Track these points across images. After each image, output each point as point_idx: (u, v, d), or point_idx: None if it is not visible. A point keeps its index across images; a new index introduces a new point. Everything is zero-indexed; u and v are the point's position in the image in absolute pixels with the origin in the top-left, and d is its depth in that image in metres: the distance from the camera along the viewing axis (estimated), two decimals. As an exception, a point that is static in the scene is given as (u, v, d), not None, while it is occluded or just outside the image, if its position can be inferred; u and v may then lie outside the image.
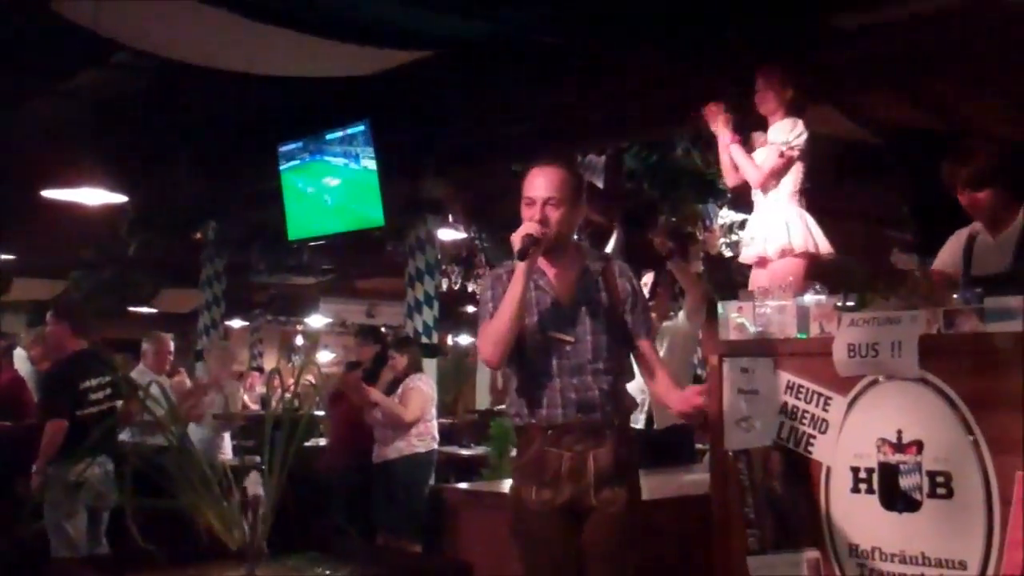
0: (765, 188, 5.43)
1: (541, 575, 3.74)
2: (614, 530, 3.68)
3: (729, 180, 5.72)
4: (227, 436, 8.74)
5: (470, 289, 11.98)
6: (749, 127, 5.63)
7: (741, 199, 5.68)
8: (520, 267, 3.66)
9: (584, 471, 3.67)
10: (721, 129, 5.58)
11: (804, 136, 5.36)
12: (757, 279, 5.38)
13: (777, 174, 5.39)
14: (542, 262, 3.81)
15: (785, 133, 5.37)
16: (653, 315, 6.25)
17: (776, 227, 5.33)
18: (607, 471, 3.68)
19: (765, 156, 5.43)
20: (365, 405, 7.94)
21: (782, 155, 5.34)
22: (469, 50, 6.63)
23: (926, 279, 4.24)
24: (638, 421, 6.35)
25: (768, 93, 5.45)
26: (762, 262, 5.39)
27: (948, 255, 4.40)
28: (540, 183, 3.74)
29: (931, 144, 4.32)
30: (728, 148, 5.55)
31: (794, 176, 5.41)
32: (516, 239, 3.68)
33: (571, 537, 3.69)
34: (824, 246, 5.37)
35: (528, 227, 3.69)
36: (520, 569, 3.79)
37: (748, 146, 5.57)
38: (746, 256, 5.54)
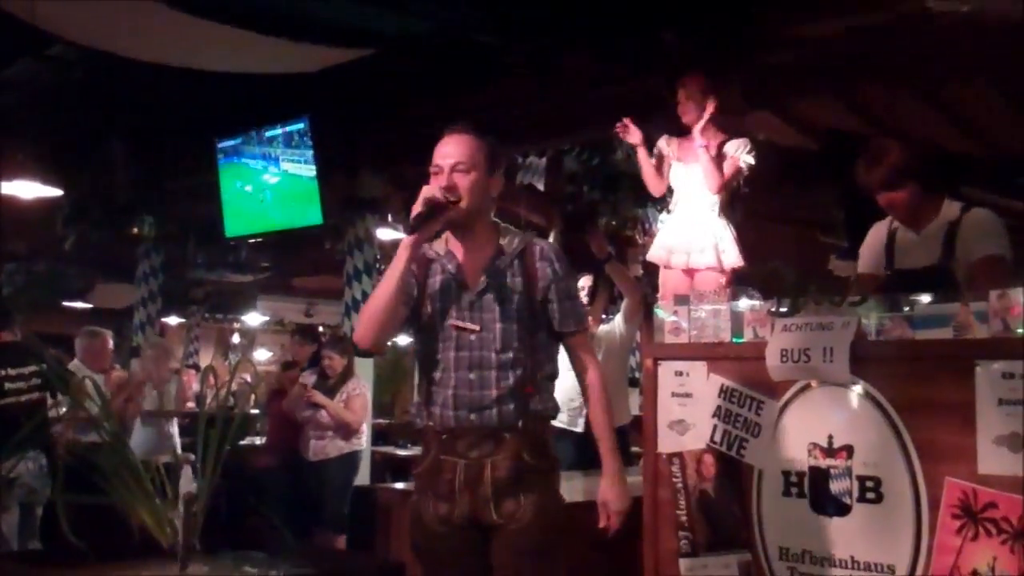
0: (719, 195, 5.53)
1: None
2: (521, 549, 3.21)
3: (653, 191, 5.81)
4: (176, 433, 8.72)
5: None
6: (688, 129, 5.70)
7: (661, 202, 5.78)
8: (406, 239, 3.26)
9: (480, 481, 3.22)
10: (637, 143, 5.66)
11: (751, 161, 5.51)
12: (668, 280, 5.52)
13: (728, 186, 5.50)
14: (452, 243, 3.41)
15: (743, 151, 5.47)
16: (590, 319, 6.30)
17: (705, 240, 5.43)
18: (506, 480, 3.22)
19: (726, 166, 5.52)
20: (299, 405, 7.94)
21: (739, 170, 5.46)
22: (408, 49, 6.62)
23: (858, 284, 4.31)
24: (577, 424, 6.34)
25: (689, 103, 5.55)
26: (688, 271, 5.51)
27: (869, 252, 4.43)
28: (448, 149, 3.36)
29: (862, 149, 4.37)
30: (644, 159, 5.67)
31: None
32: (415, 207, 3.27)
33: (475, 557, 3.27)
34: (734, 261, 5.53)
35: (428, 190, 3.29)
36: None
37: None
38: (670, 262, 5.61)
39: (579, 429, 6.31)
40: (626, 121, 5.63)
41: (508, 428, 3.25)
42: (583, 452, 5.65)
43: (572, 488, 4.97)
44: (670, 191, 5.76)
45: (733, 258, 5.49)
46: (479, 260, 3.38)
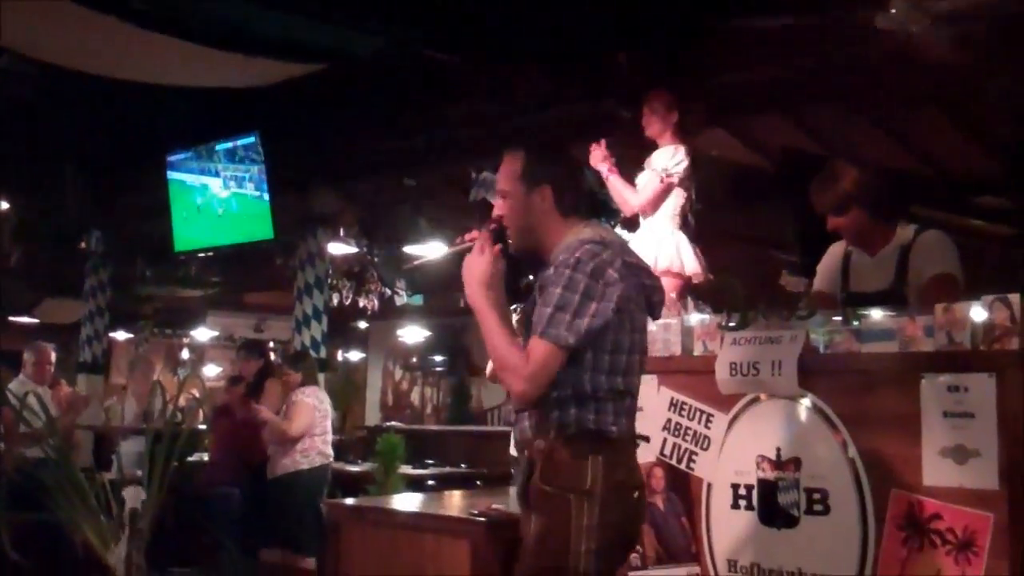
0: (645, 213, 5.55)
1: None
2: (523, 566, 3.14)
3: (624, 209, 5.79)
4: None
5: (361, 304, 11.91)
6: (641, 147, 5.71)
7: (634, 220, 5.75)
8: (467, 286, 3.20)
9: (518, 495, 3.29)
10: (599, 163, 5.67)
11: (684, 163, 5.52)
12: None
13: (657, 200, 5.53)
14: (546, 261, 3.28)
15: (666, 159, 5.52)
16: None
17: (648, 250, 5.44)
18: (522, 498, 3.22)
19: (646, 181, 5.54)
20: (257, 422, 7.86)
21: (662, 181, 5.47)
22: (360, 65, 6.62)
23: (809, 300, 4.33)
24: None
25: (653, 118, 5.58)
26: None
27: (825, 272, 4.46)
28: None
29: (817, 169, 4.39)
30: (608, 179, 5.65)
31: (675, 200, 5.56)
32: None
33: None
34: (693, 268, 5.50)
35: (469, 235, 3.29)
36: None
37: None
38: None
39: None
40: (594, 147, 5.62)
41: (524, 449, 3.21)
42: None
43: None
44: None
45: (692, 265, 5.49)
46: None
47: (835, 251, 4.42)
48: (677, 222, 5.57)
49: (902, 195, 4.89)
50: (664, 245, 5.47)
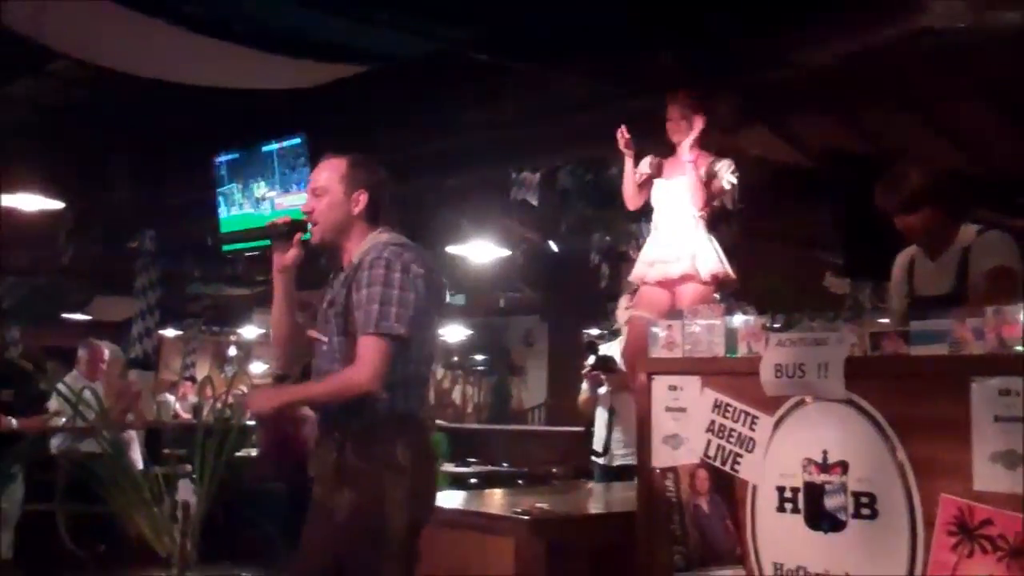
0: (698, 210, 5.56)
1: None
2: (341, 535, 3.40)
3: (629, 202, 5.81)
4: None
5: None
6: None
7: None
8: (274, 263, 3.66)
9: (322, 473, 3.51)
10: (629, 151, 5.68)
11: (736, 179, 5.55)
12: (645, 294, 5.53)
13: (708, 203, 5.54)
14: (341, 257, 3.69)
15: (726, 171, 5.52)
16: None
17: (683, 250, 5.44)
18: (330, 473, 3.46)
19: (713, 184, 5.56)
20: (301, 419, 7.90)
21: (723, 190, 5.49)
22: (405, 66, 6.65)
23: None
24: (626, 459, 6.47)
25: (682, 122, 5.57)
26: (666, 283, 5.50)
27: (894, 282, 4.48)
28: (311, 176, 3.69)
29: (862, 168, 4.37)
30: (629, 169, 5.70)
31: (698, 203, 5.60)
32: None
33: (325, 537, 3.47)
34: (728, 271, 5.50)
35: (275, 219, 3.73)
36: None
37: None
38: (651, 276, 5.61)
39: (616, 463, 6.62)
40: (624, 130, 5.64)
41: (338, 427, 3.46)
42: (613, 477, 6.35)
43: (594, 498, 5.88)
44: (649, 207, 5.77)
45: (712, 265, 5.47)
46: (340, 274, 3.63)
47: (900, 261, 4.44)
48: (703, 224, 5.57)
49: (970, 194, 4.87)
50: (683, 248, 5.48)
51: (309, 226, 3.62)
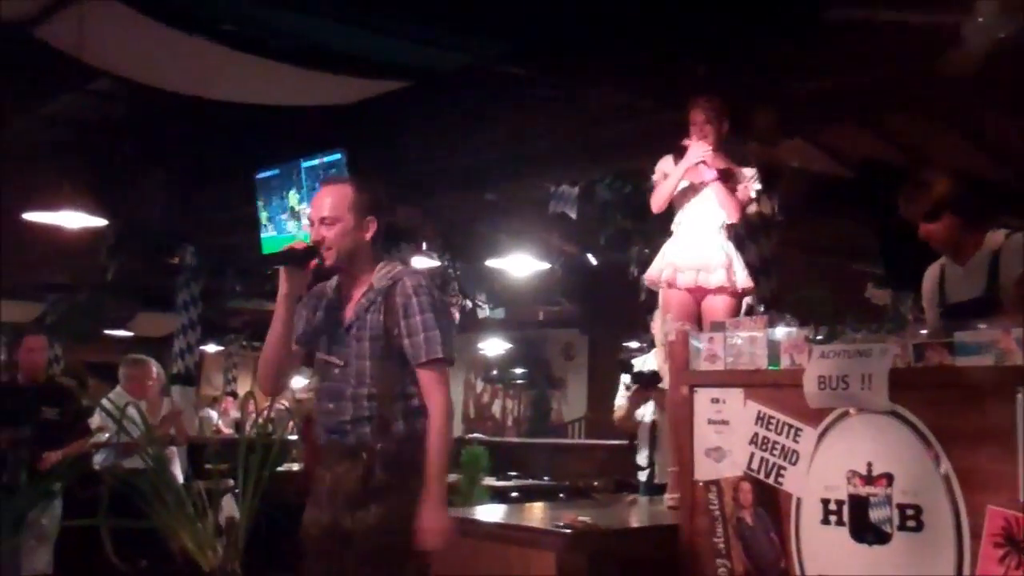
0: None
1: None
2: (364, 551, 3.45)
3: (655, 206, 5.69)
4: None
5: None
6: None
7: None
8: (280, 288, 3.63)
9: (338, 492, 3.52)
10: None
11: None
12: (672, 299, 5.45)
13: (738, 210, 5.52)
14: (346, 282, 3.72)
15: (751, 181, 5.51)
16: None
17: (716, 260, 5.38)
18: (356, 493, 3.48)
19: (739, 193, 5.51)
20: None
21: (748, 200, 5.47)
22: (442, 81, 6.68)
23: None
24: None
25: (708, 127, 5.49)
26: (695, 290, 5.41)
27: (926, 293, 4.46)
28: (316, 204, 3.68)
29: (902, 179, 4.36)
30: (672, 180, 5.57)
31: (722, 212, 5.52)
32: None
33: (333, 561, 3.51)
34: (747, 282, 5.47)
35: (292, 244, 3.70)
36: None
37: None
38: (682, 281, 5.52)
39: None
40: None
41: (364, 447, 3.51)
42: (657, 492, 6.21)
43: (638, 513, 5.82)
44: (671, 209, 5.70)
45: (744, 279, 5.44)
46: (355, 297, 3.67)
47: (931, 273, 4.43)
48: (726, 233, 5.53)
49: (993, 202, 4.85)
50: (717, 257, 5.39)
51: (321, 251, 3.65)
